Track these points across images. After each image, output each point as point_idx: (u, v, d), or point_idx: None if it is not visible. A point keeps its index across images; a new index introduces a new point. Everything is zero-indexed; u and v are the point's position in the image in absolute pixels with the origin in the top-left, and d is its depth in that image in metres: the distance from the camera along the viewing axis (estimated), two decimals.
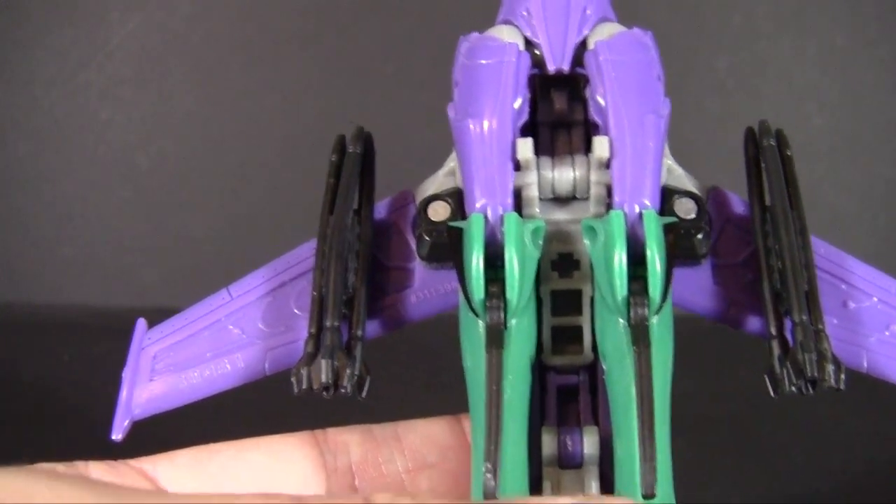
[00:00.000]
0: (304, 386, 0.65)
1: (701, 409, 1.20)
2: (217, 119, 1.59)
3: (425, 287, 0.72)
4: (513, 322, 0.63)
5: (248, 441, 0.72)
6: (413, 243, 0.72)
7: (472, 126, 0.67)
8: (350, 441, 0.73)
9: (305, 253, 0.74)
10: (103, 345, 1.39)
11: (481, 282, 0.62)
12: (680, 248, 0.66)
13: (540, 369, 0.66)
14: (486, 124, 0.67)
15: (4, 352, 1.39)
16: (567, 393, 0.68)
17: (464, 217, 0.67)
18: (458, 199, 0.70)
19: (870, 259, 0.72)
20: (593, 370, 0.67)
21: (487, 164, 0.66)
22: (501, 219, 0.64)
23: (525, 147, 0.66)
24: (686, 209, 0.68)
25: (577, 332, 0.67)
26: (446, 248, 0.68)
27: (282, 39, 1.58)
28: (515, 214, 0.64)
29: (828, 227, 1.40)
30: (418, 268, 0.72)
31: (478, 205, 0.65)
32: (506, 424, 0.60)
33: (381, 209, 0.74)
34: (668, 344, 0.63)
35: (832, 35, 1.56)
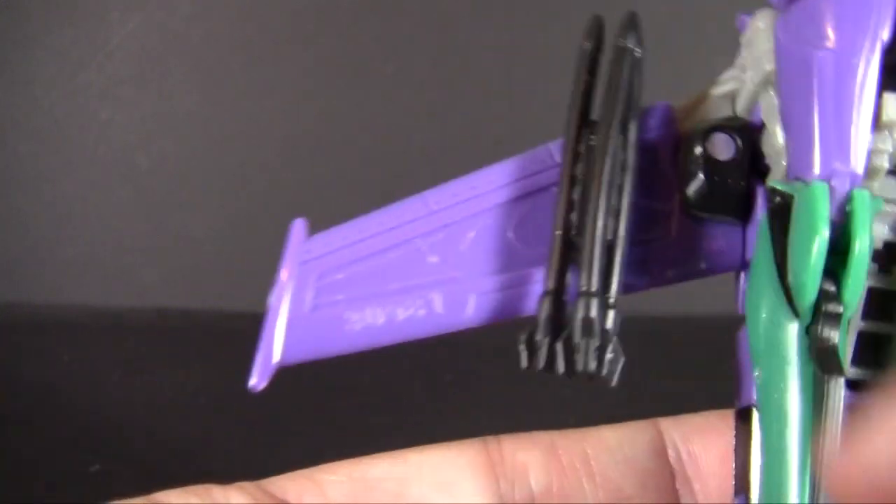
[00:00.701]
0: (542, 367, 0.50)
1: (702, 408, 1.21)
2: (217, 119, 1.58)
3: (684, 243, 0.56)
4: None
5: (410, 456, 0.58)
6: (674, 180, 0.56)
7: (830, 62, 0.51)
8: (530, 463, 0.59)
9: (533, 165, 0.57)
10: (103, 345, 1.40)
11: (818, 278, 0.49)
12: None
13: None
14: (852, 66, 0.51)
15: (4, 352, 1.39)
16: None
17: (754, 161, 0.55)
18: (746, 135, 0.55)
19: None
20: None
21: (845, 118, 0.50)
22: (850, 194, 0.50)
23: (894, 105, 0.51)
24: None
25: (885, 342, 0.54)
26: (727, 197, 0.55)
27: (282, 39, 1.57)
28: (868, 194, 0.50)
29: None
30: (678, 213, 0.56)
31: (820, 171, 0.50)
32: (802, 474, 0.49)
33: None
34: None
35: None
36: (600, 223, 0.51)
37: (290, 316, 0.54)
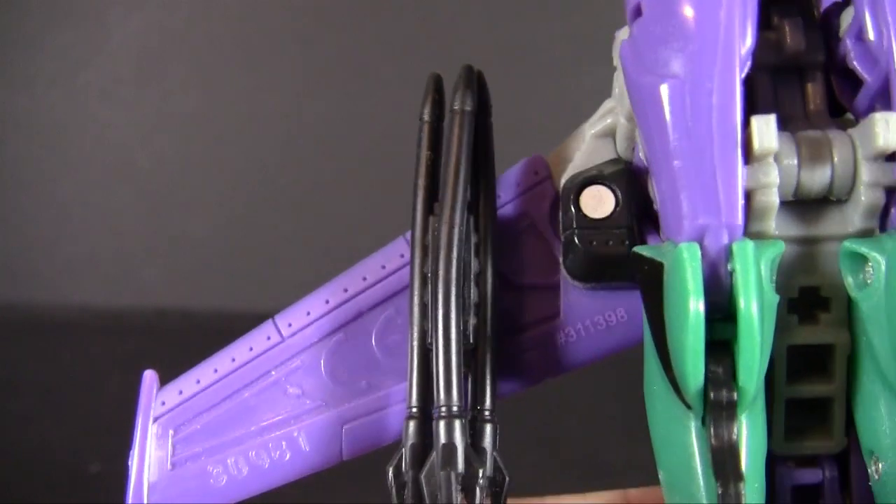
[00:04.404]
0: (411, 501, 0.44)
1: None
2: (217, 119, 1.58)
3: (582, 316, 0.48)
4: (743, 419, 0.41)
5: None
6: (556, 247, 0.48)
7: (678, 93, 0.41)
8: None
9: (389, 263, 0.50)
10: (103, 345, 1.40)
11: (700, 360, 0.40)
12: None
13: (766, 461, 0.43)
14: (704, 93, 0.41)
15: (4, 352, 1.39)
16: (807, 495, 0.46)
17: (639, 215, 0.46)
18: (627, 183, 0.47)
19: None
20: (844, 462, 0.46)
21: (705, 159, 0.41)
22: (728, 249, 0.41)
23: (767, 131, 0.41)
24: None
25: (823, 406, 0.45)
26: (612, 263, 0.46)
27: (282, 39, 1.57)
28: (751, 244, 0.41)
29: None
30: (566, 286, 0.48)
31: (689, 225, 0.41)
32: None
33: (499, 190, 0.49)
34: None
35: None
36: (452, 329, 0.44)
37: (150, 479, 0.50)
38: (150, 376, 0.52)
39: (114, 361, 1.32)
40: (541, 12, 1.51)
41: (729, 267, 0.41)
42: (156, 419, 0.51)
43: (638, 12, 0.44)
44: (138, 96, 1.59)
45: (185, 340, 1.38)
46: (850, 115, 0.46)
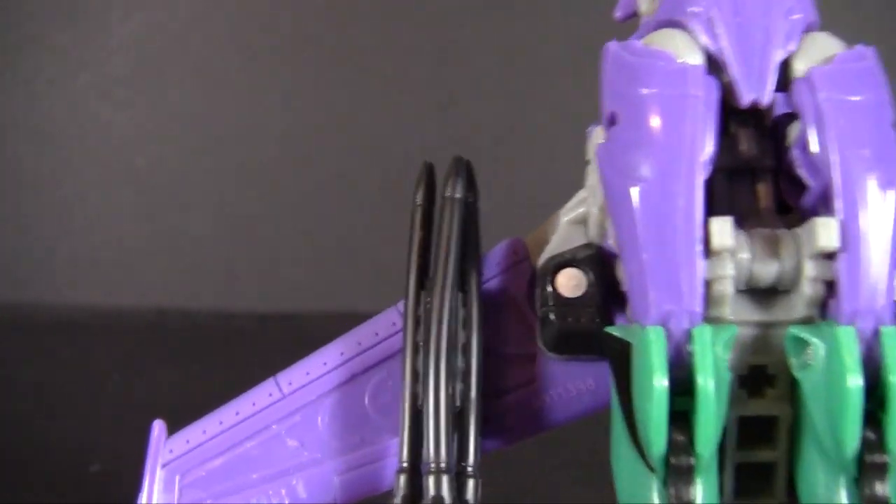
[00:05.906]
0: None
1: None
2: (217, 119, 1.58)
3: (556, 384, 0.55)
4: (699, 481, 0.47)
5: None
6: (533, 321, 0.54)
7: (647, 195, 0.48)
8: None
9: (382, 330, 0.56)
10: (103, 345, 1.40)
11: (664, 430, 0.46)
12: None
13: None
14: (670, 196, 0.48)
15: (4, 352, 1.39)
16: None
17: (608, 295, 0.52)
18: (597, 266, 0.53)
19: None
20: None
21: (670, 253, 0.47)
22: (689, 333, 0.47)
23: (724, 231, 0.48)
24: None
25: (767, 469, 0.51)
26: (583, 338, 0.53)
27: (282, 39, 1.57)
28: (709, 329, 0.47)
29: None
30: (541, 356, 0.55)
31: (655, 311, 0.47)
32: None
33: (483, 268, 0.56)
34: None
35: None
36: (442, 393, 0.50)
37: None
38: (158, 426, 0.56)
39: (114, 361, 1.32)
40: (541, 12, 1.51)
41: (689, 348, 0.47)
42: (164, 465, 0.55)
43: (613, 121, 0.50)
44: (138, 96, 1.59)
45: (185, 340, 1.38)
46: (795, 214, 0.51)
